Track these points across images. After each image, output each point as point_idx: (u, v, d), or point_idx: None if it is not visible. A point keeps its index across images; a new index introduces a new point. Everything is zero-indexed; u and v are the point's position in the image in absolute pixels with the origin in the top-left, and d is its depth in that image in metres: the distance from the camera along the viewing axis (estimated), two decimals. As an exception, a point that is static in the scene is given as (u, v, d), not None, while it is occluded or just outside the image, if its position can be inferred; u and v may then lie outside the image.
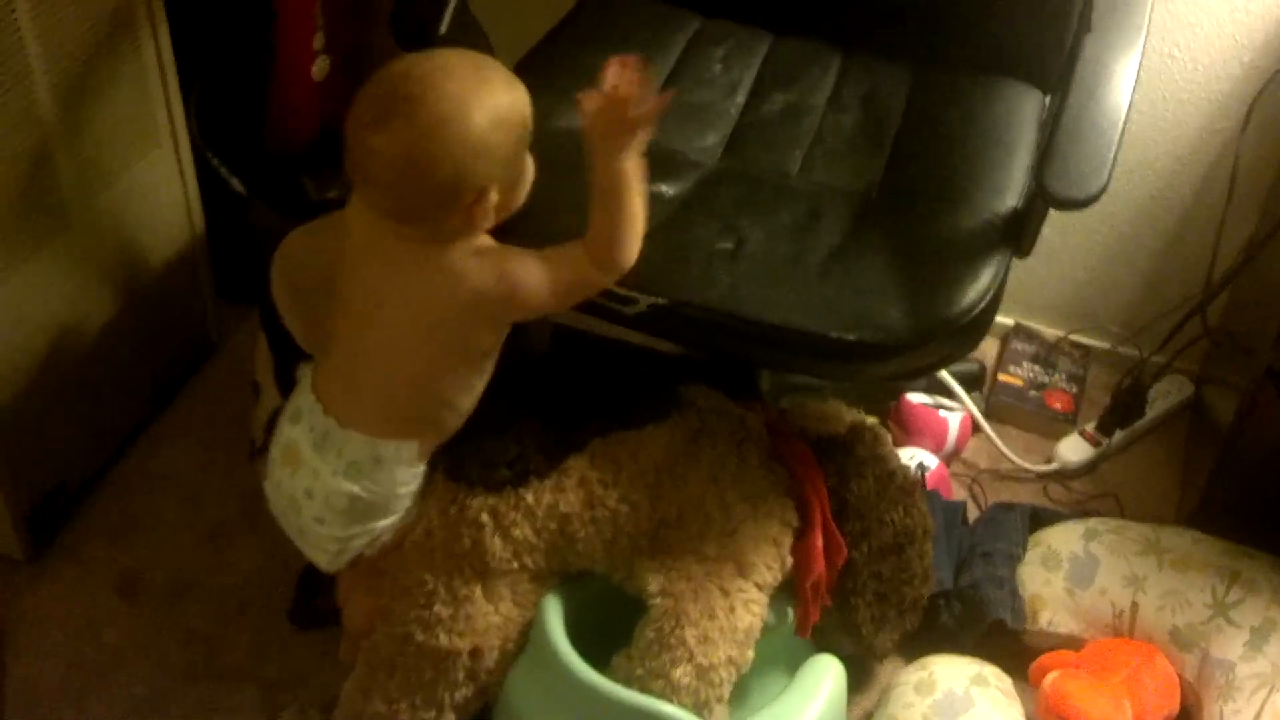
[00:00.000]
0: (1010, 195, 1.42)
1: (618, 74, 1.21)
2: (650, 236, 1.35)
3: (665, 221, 1.39)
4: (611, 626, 1.39)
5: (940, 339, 1.31)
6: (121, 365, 1.80)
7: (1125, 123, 1.29)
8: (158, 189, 1.78)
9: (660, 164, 1.47)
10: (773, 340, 1.31)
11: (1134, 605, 1.63)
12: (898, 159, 1.50)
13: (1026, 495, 1.93)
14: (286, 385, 1.63)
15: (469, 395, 1.35)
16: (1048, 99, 1.61)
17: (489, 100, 1.20)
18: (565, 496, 1.36)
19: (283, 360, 1.62)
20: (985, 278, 1.33)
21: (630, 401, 1.43)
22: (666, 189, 1.44)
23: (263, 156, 2.03)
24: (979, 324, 1.33)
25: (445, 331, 1.29)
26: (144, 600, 1.70)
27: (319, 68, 1.96)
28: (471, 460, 1.37)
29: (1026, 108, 1.56)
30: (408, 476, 1.36)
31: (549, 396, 1.42)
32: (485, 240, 1.28)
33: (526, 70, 1.53)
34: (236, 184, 2.02)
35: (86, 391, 1.75)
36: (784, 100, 1.59)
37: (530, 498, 1.36)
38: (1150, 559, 1.66)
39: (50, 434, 1.69)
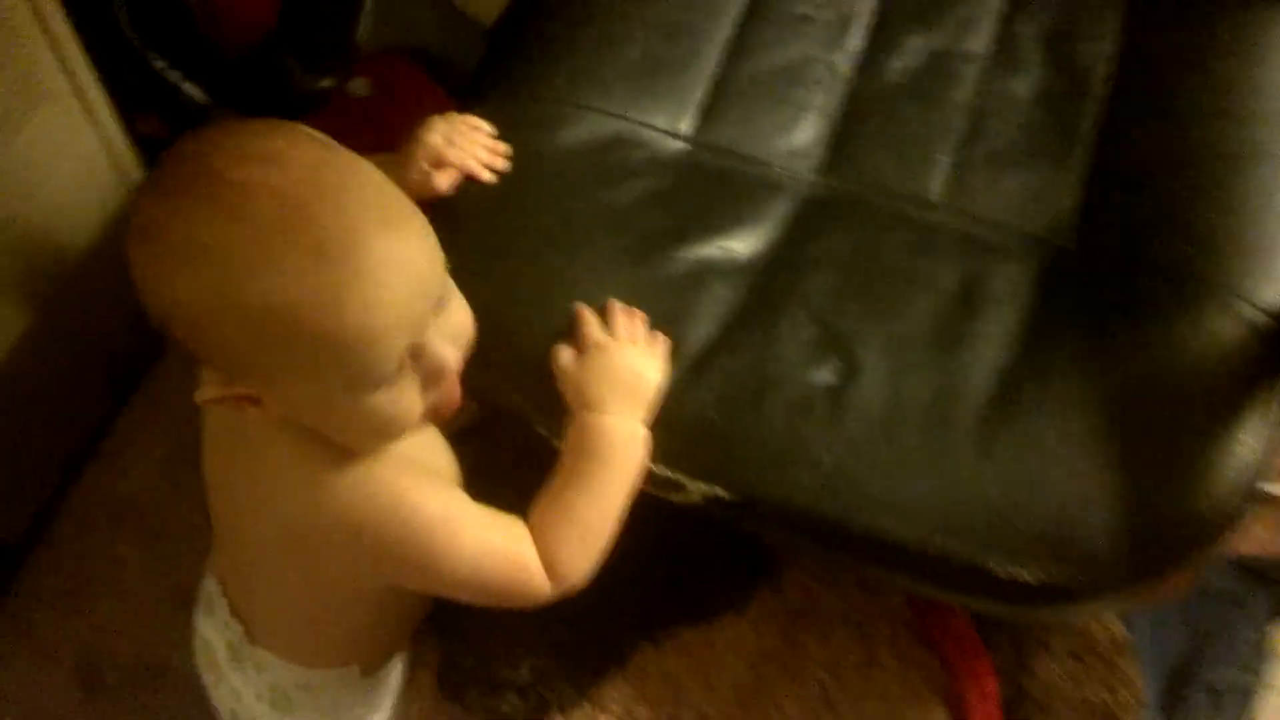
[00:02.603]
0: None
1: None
2: (707, 359, 0.87)
3: (731, 322, 0.89)
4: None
5: (1174, 567, 0.81)
6: (55, 378, 1.40)
7: None
8: (60, 151, 1.31)
9: (727, 190, 0.95)
10: (898, 564, 0.83)
11: None
12: (1106, 168, 0.95)
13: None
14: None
15: (403, 619, 0.94)
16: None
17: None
18: (601, 736, 0.95)
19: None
20: (1252, 443, 0.82)
21: (693, 574, 0.98)
22: (737, 246, 0.93)
23: (215, 49, 1.53)
24: (1233, 522, 0.82)
25: (328, 571, 0.84)
26: (106, 689, 1.36)
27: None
28: (469, 677, 0.96)
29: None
30: (358, 694, 0.97)
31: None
32: (395, 450, 0.79)
33: (510, 52, 1.00)
34: (194, 92, 1.52)
35: (15, 422, 1.35)
36: (922, 47, 1.02)
37: (551, 738, 0.95)
38: None
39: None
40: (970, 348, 0.87)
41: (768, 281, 0.91)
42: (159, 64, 1.50)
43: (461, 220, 0.90)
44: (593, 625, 0.97)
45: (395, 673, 1.00)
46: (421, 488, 0.78)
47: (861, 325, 0.88)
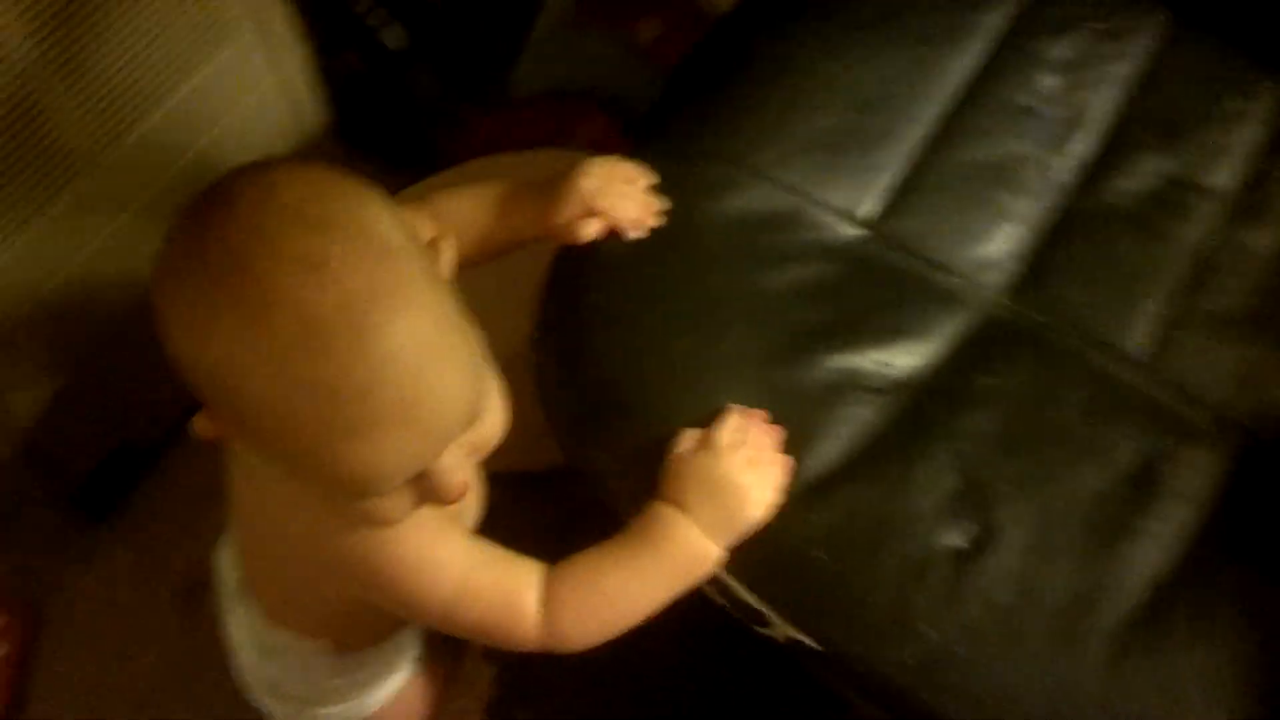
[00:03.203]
0: None
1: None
2: (828, 487, 0.78)
3: (865, 449, 0.79)
4: None
5: None
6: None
7: None
8: (237, 90, 1.28)
9: (897, 293, 0.86)
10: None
11: None
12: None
13: None
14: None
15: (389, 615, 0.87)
16: None
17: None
18: None
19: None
20: None
21: (755, 684, 0.90)
22: (893, 360, 0.83)
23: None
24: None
25: (316, 577, 0.81)
26: (204, 612, 1.36)
27: None
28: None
29: None
30: (334, 668, 0.93)
31: (623, 674, 0.92)
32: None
33: (687, 101, 0.91)
34: (392, 36, 1.47)
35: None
36: (1156, 170, 0.90)
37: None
38: None
39: (116, 385, 1.31)
40: (1130, 544, 0.75)
41: (918, 409, 0.81)
42: (361, 6, 1.46)
43: (595, 278, 0.83)
44: (657, 713, 0.90)
45: (393, 659, 0.96)
46: (407, 534, 0.72)
47: (1012, 487, 0.77)
